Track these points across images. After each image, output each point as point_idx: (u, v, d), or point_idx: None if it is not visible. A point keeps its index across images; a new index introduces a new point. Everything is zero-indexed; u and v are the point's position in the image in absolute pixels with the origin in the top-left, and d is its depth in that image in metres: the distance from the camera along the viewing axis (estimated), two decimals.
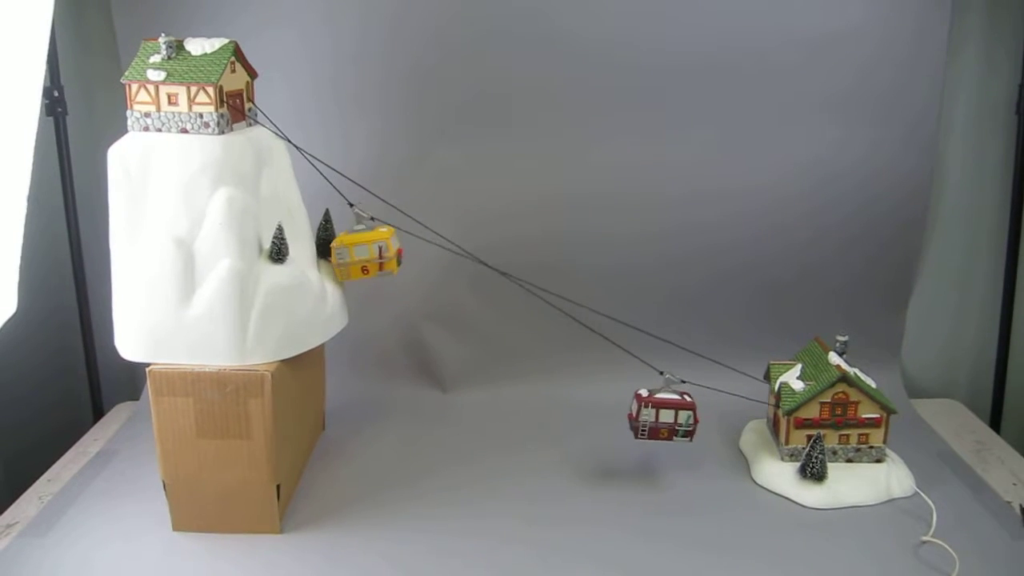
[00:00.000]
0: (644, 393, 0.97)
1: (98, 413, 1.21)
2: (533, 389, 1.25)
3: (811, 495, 1.00)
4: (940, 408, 1.26)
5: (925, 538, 0.91)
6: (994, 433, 1.19)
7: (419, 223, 0.99)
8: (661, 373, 0.98)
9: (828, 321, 1.16)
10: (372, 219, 1.04)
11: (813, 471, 1.00)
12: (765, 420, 1.12)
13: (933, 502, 0.96)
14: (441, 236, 0.98)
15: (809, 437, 1.01)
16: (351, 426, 1.16)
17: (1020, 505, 0.96)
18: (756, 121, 1.20)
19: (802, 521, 0.96)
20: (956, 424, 1.21)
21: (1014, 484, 1.04)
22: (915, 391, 1.30)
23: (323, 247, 1.00)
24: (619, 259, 1.25)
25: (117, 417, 1.19)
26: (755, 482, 1.04)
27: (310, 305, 1.00)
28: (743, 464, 1.08)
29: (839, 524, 0.95)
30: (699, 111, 1.20)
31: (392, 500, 0.99)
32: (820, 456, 0.99)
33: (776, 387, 1.05)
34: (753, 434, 1.12)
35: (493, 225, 1.20)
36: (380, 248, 1.05)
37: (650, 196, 1.23)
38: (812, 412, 1.03)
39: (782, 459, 1.04)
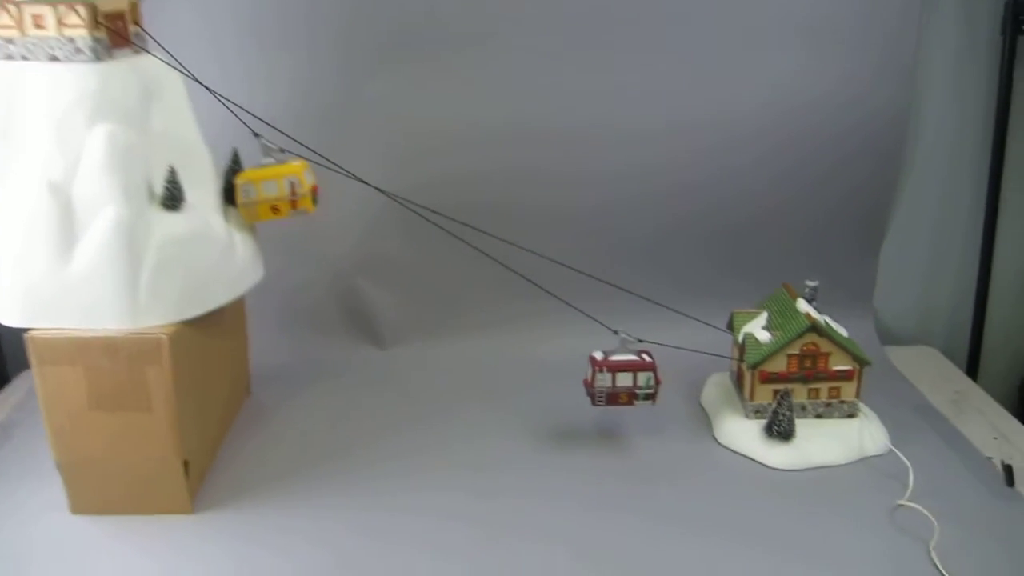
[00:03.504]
0: (599, 356, 0.90)
1: (3, 381, 1.11)
2: (480, 345, 1.17)
3: (778, 455, 0.94)
4: (915, 356, 1.21)
5: (901, 501, 0.85)
6: (972, 382, 1.14)
7: (334, 166, 0.90)
8: (615, 332, 0.89)
9: (796, 266, 1.09)
10: (282, 151, 0.91)
11: (780, 429, 0.94)
12: (729, 373, 1.06)
13: (909, 460, 0.90)
14: (367, 183, 0.91)
15: (776, 392, 0.95)
16: (280, 390, 1.08)
17: (1002, 461, 0.90)
18: (717, 46, 1.11)
19: (768, 483, 0.90)
20: (932, 373, 1.15)
21: (995, 438, 0.99)
22: (889, 339, 1.24)
23: (231, 192, 0.89)
24: (568, 201, 1.16)
25: (22, 386, 1.09)
26: (718, 442, 0.98)
27: (214, 257, 0.88)
28: (706, 423, 1.02)
29: (808, 486, 0.90)
30: (652, 35, 1.10)
31: (322, 473, 0.91)
32: (787, 413, 0.93)
33: (740, 338, 0.98)
34: (716, 389, 1.06)
35: (429, 163, 1.11)
36: (292, 184, 0.92)
37: (600, 131, 1.13)
38: (779, 365, 0.96)
39: (747, 416, 0.98)
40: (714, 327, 0.98)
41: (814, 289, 0.99)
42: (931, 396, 1.07)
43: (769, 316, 1.05)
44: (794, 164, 1.15)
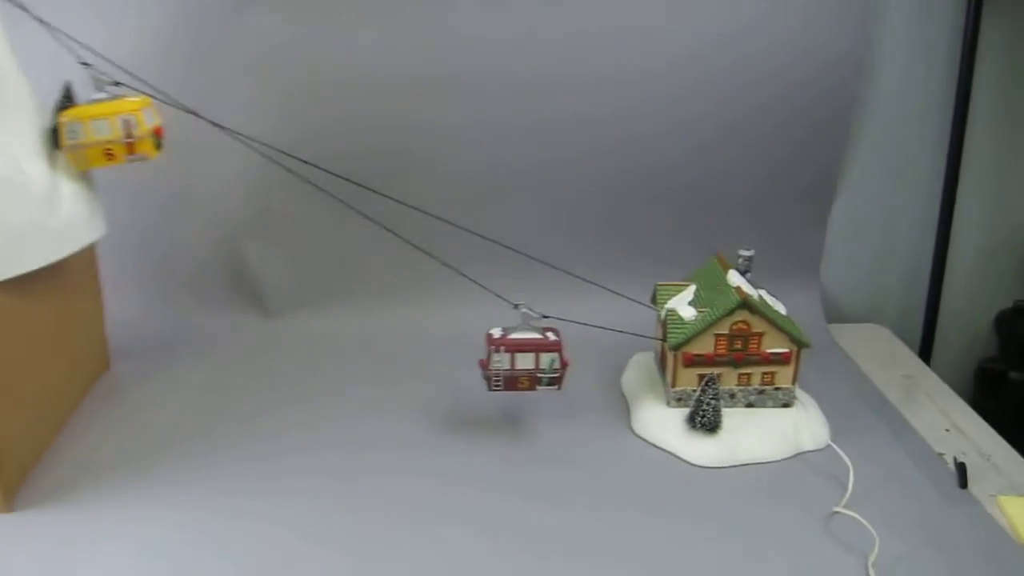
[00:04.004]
0: (496, 334, 0.81)
1: None
2: (372, 315, 1.08)
3: (700, 449, 0.85)
4: (863, 335, 1.13)
5: (837, 508, 0.77)
6: (924, 365, 1.08)
7: (224, 127, 0.79)
8: (516, 306, 0.80)
9: (736, 234, 1.00)
10: (117, 84, 0.75)
11: (704, 420, 0.85)
12: (654, 354, 0.97)
13: (850, 457, 0.81)
14: (240, 136, 0.80)
15: (701, 378, 0.86)
16: (144, 364, 0.97)
17: (955, 459, 0.83)
18: None
19: (686, 482, 0.81)
20: (881, 354, 1.08)
21: (947, 430, 0.92)
22: (836, 315, 1.18)
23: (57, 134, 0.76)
24: (481, 158, 1.05)
25: None
26: (634, 432, 0.89)
27: (28, 210, 0.73)
28: (624, 410, 0.93)
29: (733, 487, 0.81)
30: None
31: (178, 457, 0.80)
32: (713, 401, 0.84)
33: (663, 315, 0.89)
34: (638, 371, 0.97)
35: (318, 114, 1.01)
36: (127, 123, 0.77)
37: (521, 80, 1.02)
38: (705, 346, 0.86)
39: (668, 404, 0.89)
40: (640, 303, 0.91)
41: (748, 259, 0.90)
42: (879, 380, 1.00)
43: (697, 290, 0.91)
44: (739, 120, 1.06)
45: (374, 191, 0.81)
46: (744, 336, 0.85)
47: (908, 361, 1.08)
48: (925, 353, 1.17)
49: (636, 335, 0.89)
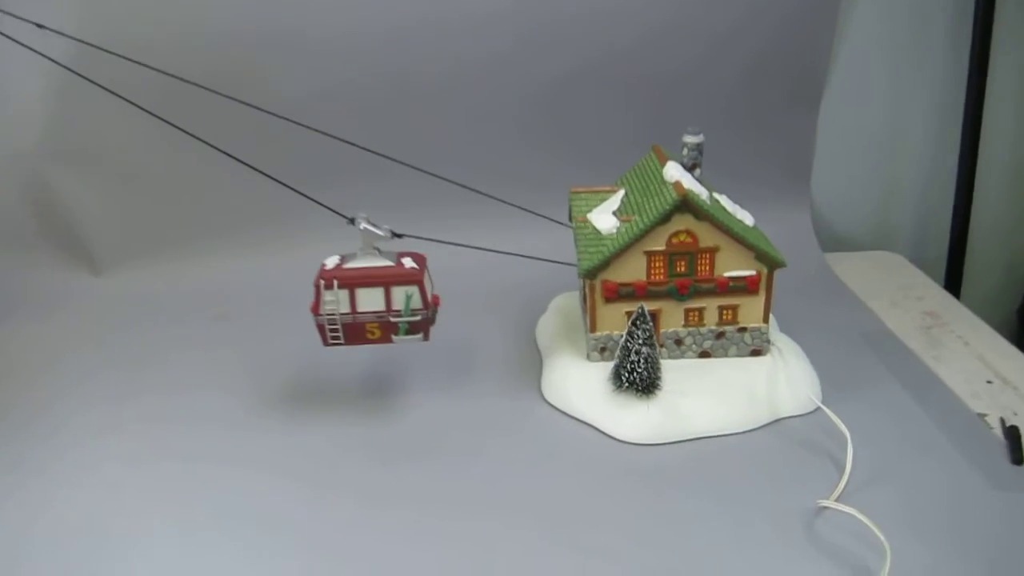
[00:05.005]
0: (329, 264, 0.65)
1: None
2: (213, 263, 0.94)
3: (630, 420, 0.64)
4: (871, 264, 0.96)
5: (827, 502, 0.57)
6: (954, 299, 0.88)
7: None
8: (351, 221, 0.63)
9: (714, 125, 0.78)
10: None
11: (633, 377, 0.64)
12: (579, 294, 0.78)
13: (849, 426, 0.62)
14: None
15: (629, 316, 0.65)
16: None
17: (1003, 422, 0.64)
18: None
19: (610, 468, 0.62)
20: (895, 287, 0.90)
21: (989, 382, 0.71)
22: (834, 243, 1.03)
23: None
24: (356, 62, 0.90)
25: None
26: (544, 398, 0.70)
27: None
28: (536, 367, 0.75)
29: (676, 474, 0.61)
30: None
31: None
32: (645, 349, 0.63)
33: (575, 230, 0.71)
34: (556, 318, 0.78)
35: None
36: None
37: None
38: (634, 271, 0.65)
39: (588, 357, 0.69)
40: (557, 222, 0.74)
41: (696, 148, 0.68)
42: (892, 320, 0.82)
43: (626, 196, 0.67)
44: None
45: (214, 93, 0.67)
46: (689, 253, 0.64)
47: (931, 295, 0.89)
48: (953, 285, 1.01)
49: (551, 262, 0.70)
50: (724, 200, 0.67)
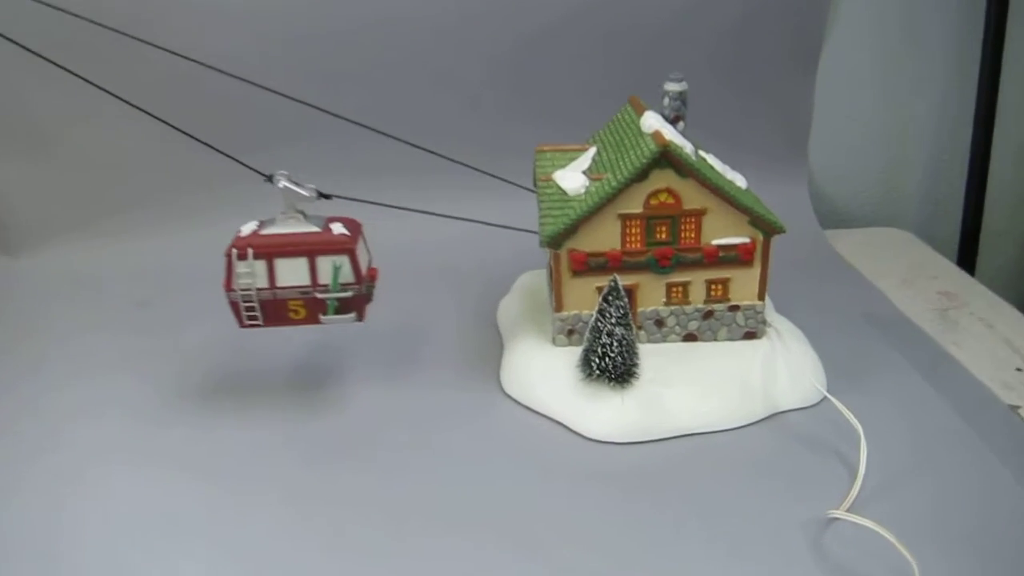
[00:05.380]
0: (245, 231, 0.57)
1: None
2: (144, 243, 0.86)
3: (601, 415, 0.56)
4: (876, 241, 0.89)
5: (837, 512, 0.48)
6: (969, 278, 0.82)
7: None
8: (269, 178, 0.54)
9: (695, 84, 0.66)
10: None
11: (605, 363, 0.55)
12: (546, 268, 0.69)
13: (862, 419, 0.54)
14: None
15: (600, 292, 0.56)
16: None
17: None
18: None
19: (577, 472, 0.54)
20: (905, 265, 0.83)
21: (1019, 370, 0.63)
22: (834, 217, 0.96)
23: None
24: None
25: None
26: (503, 391, 0.62)
27: None
28: (497, 354, 0.67)
29: (655, 479, 0.53)
30: None
31: None
32: (619, 330, 0.55)
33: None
34: (520, 298, 0.70)
35: None
36: None
37: None
38: (606, 238, 0.57)
39: (554, 342, 0.61)
40: (521, 187, 0.65)
41: (679, 98, 0.59)
42: (902, 301, 0.75)
43: (598, 154, 0.59)
44: None
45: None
46: (671, 217, 0.55)
47: (945, 273, 0.82)
48: (967, 262, 0.95)
49: (503, 227, 0.61)
50: (712, 160, 0.58)
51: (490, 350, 0.66)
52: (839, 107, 0.94)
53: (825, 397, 0.57)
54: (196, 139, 0.58)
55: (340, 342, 0.68)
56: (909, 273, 0.81)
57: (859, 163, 0.97)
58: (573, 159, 0.60)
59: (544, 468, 0.54)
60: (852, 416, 0.54)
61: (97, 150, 0.86)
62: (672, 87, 0.59)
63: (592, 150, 0.60)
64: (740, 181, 0.60)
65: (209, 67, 0.60)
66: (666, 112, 0.59)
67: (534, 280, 0.71)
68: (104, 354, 0.71)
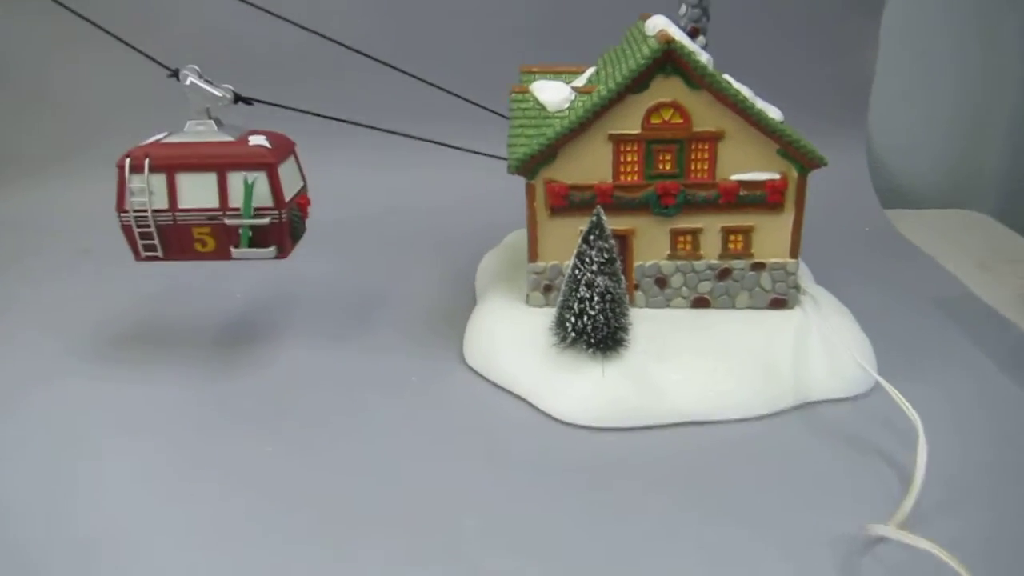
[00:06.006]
0: (147, 144, 0.49)
1: None
2: (90, 185, 0.72)
3: (577, 393, 0.44)
4: (947, 224, 0.79)
5: (880, 528, 0.37)
6: None
7: None
8: (174, 73, 0.45)
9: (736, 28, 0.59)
10: None
11: (583, 324, 0.44)
12: None
13: (921, 413, 0.42)
14: None
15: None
16: None
17: None
18: None
19: (549, 463, 0.43)
20: (981, 250, 0.72)
21: None
22: (895, 196, 0.85)
23: None
24: None
25: None
26: (464, 361, 0.52)
27: None
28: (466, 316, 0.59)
29: (648, 477, 0.42)
30: None
31: None
32: (602, 280, 0.43)
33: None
34: (502, 256, 0.60)
35: None
36: None
37: None
38: (593, 166, 0.45)
39: (527, 300, 0.50)
40: (498, 113, 0.57)
41: (698, 5, 0.47)
42: (980, 288, 0.64)
43: (596, 72, 0.49)
44: None
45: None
46: (679, 141, 0.44)
47: None
48: None
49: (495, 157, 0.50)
50: (743, 88, 0.46)
51: (462, 315, 0.56)
52: (906, 66, 0.82)
53: (875, 385, 0.46)
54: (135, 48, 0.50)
55: (289, 299, 0.59)
56: (987, 257, 0.70)
57: (926, 133, 0.88)
58: (568, 83, 0.50)
59: (501, 454, 0.43)
60: (910, 408, 0.43)
61: (42, 82, 0.80)
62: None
63: (589, 71, 0.49)
64: (774, 112, 0.48)
65: None
66: (682, 23, 0.48)
67: (522, 237, 0.60)
68: (30, 301, 0.64)
